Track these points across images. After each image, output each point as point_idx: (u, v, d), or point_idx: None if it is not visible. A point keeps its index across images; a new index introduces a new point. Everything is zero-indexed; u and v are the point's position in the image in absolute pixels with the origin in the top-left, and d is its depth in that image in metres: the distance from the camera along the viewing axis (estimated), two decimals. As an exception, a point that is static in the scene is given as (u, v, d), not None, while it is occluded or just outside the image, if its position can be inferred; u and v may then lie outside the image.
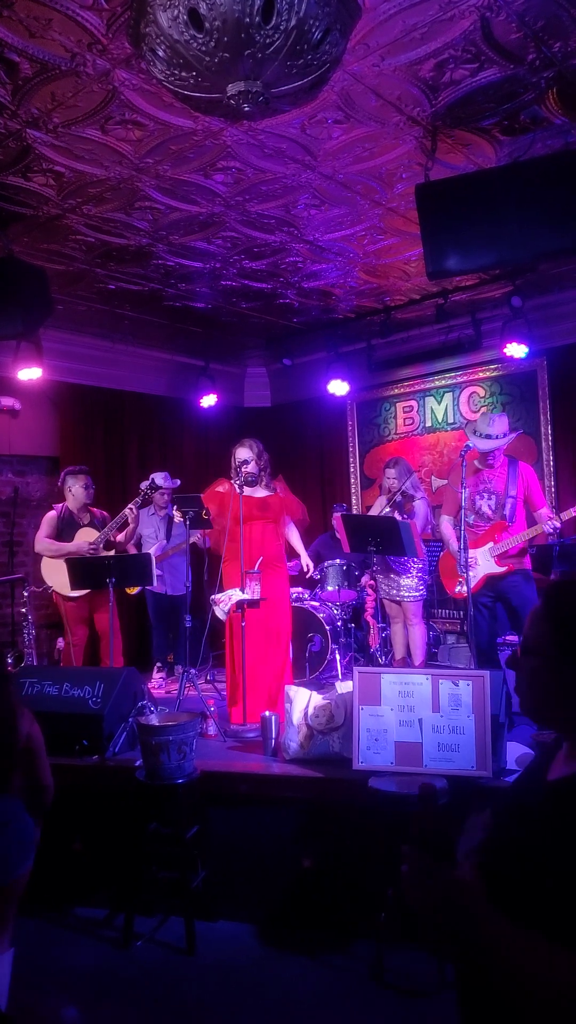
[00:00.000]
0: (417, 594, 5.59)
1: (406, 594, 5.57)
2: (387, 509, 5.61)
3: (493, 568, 4.93)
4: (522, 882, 1.06)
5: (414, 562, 5.51)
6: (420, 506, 5.60)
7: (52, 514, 5.75)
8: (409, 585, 5.56)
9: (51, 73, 3.15)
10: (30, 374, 5.89)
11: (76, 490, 5.71)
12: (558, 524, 4.77)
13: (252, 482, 4.97)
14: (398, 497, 5.56)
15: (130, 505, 5.67)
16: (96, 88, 3.26)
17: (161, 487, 6.44)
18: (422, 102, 3.46)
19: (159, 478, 6.53)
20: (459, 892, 1.06)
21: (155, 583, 6.11)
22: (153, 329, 6.93)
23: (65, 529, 5.68)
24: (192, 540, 6.02)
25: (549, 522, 4.80)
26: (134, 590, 6.27)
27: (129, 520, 5.65)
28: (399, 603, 5.63)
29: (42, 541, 5.64)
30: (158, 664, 6.45)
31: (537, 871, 1.04)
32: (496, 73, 3.26)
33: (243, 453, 5.01)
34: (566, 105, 3.52)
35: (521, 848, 1.09)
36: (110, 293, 5.96)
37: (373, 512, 5.82)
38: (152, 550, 6.24)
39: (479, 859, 1.17)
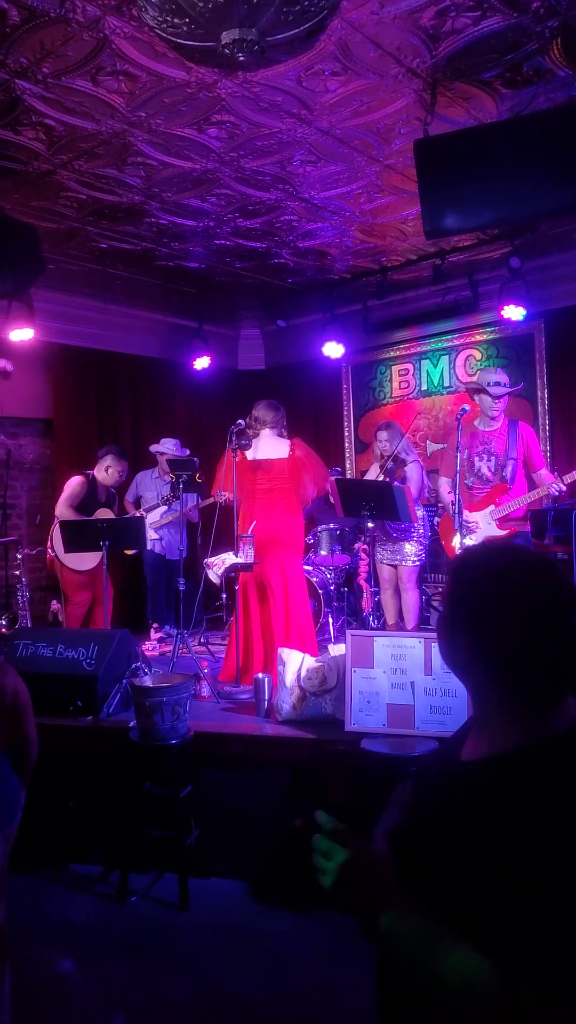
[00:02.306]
0: (416, 560, 5.58)
1: (406, 559, 5.56)
2: (380, 476, 5.59)
3: (495, 532, 4.92)
4: (425, 863, 1.07)
5: (415, 528, 5.50)
6: (413, 470, 5.54)
7: (80, 480, 5.76)
8: (409, 551, 5.56)
9: (40, 20, 3.04)
10: (21, 335, 5.81)
11: (112, 472, 5.79)
12: (563, 487, 4.75)
13: (246, 445, 4.93)
14: (389, 463, 5.52)
15: (137, 512, 5.92)
16: (86, 36, 3.15)
17: (171, 454, 6.43)
18: (422, 53, 3.36)
19: (169, 444, 6.50)
20: (369, 863, 1.11)
21: (151, 545, 6.15)
22: (146, 289, 6.82)
23: (88, 502, 5.71)
24: (184, 513, 6.04)
25: (553, 485, 4.78)
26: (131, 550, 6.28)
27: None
28: (395, 567, 5.62)
29: (68, 511, 5.65)
30: (155, 626, 6.47)
31: (441, 854, 1.04)
32: (499, 22, 3.16)
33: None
34: (570, 57, 3.43)
35: (429, 833, 1.10)
36: (102, 252, 5.85)
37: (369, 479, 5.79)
38: (157, 514, 6.24)
39: (393, 837, 1.17)
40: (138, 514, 5.89)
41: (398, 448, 5.54)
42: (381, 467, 5.62)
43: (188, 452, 6.54)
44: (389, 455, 5.55)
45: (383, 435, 5.64)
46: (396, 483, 5.41)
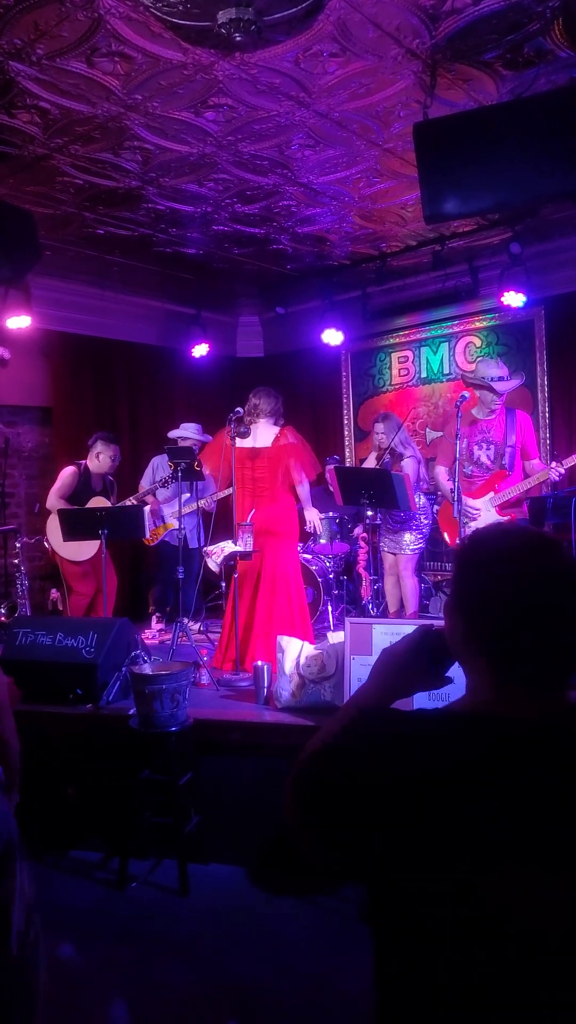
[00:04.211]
0: (413, 549, 5.57)
1: (405, 548, 5.55)
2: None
3: (495, 518, 4.91)
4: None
5: (416, 517, 5.49)
6: (409, 465, 5.50)
7: (72, 471, 5.72)
8: (407, 540, 5.55)
9: (33, -1, 3.00)
10: (19, 322, 5.79)
11: (103, 457, 5.71)
12: (562, 471, 4.74)
13: (244, 433, 4.93)
14: (386, 457, 5.50)
15: (153, 495, 6.00)
16: (81, 16, 3.11)
17: (193, 439, 6.36)
18: (422, 33, 3.32)
19: (192, 429, 6.44)
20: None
21: (168, 536, 6.15)
22: (143, 276, 6.78)
23: (81, 491, 5.68)
24: (202, 507, 6.05)
25: (553, 469, 4.76)
26: (154, 540, 6.25)
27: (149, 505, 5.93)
28: (395, 555, 5.62)
29: (58, 501, 5.61)
30: (157, 614, 6.47)
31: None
32: (500, 2, 3.11)
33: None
34: (571, 37, 3.38)
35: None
36: (99, 238, 5.80)
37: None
38: (178, 502, 6.23)
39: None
40: (131, 501, 5.84)
41: (395, 441, 5.51)
42: (378, 459, 5.60)
43: (211, 439, 6.47)
44: (386, 448, 5.53)
45: (380, 427, 5.61)
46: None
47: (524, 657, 1.05)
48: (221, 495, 6.03)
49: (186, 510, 6.17)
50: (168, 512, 6.20)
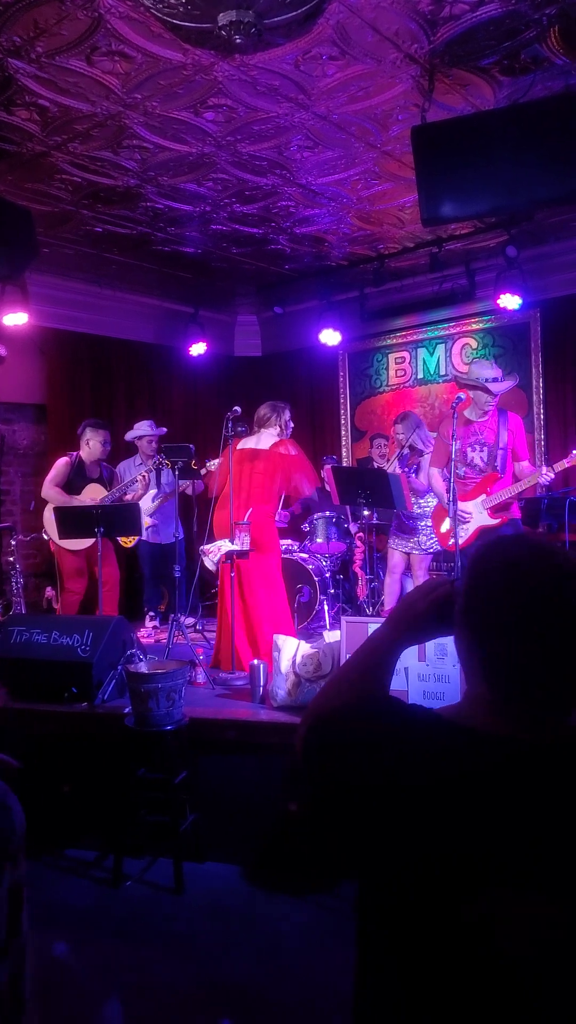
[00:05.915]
0: (433, 547, 5.59)
1: (420, 546, 5.57)
2: (395, 464, 5.62)
3: (487, 520, 4.93)
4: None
5: (427, 518, 5.51)
6: (427, 461, 5.55)
7: (64, 461, 5.74)
8: (424, 540, 5.57)
9: (34, -2, 3.01)
10: (16, 319, 5.78)
11: (94, 444, 5.73)
12: (552, 476, 4.77)
13: (243, 433, 4.95)
14: (405, 451, 5.54)
15: (143, 472, 5.81)
16: (81, 15, 3.12)
17: (149, 434, 6.41)
18: (420, 38, 3.34)
19: (145, 426, 6.49)
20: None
21: (145, 533, 6.13)
22: (141, 274, 6.79)
23: (74, 480, 5.69)
24: (182, 488, 6.03)
25: (543, 474, 4.79)
26: (130, 542, 6.26)
27: (140, 488, 5.79)
28: (408, 555, 5.64)
29: (52, 489, 5.63)
30: (150, 613, 6.48)
31: None
32: (497, 8, 3.14)
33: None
34: (568, 44, 3.41)
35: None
36: (97, 236, 5.81)
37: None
38: (148, 499, 6.23)
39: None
40: (129, 498, 5.85)
41: (413, 438, 5.53)
42: (398, 455, 5.64)
43: (165, 431, 6.51)
44: (404, 446, 5.57)
45: (399, 427, 5.66)
46: (406, 471, 5.42)
47: (529, 677, 1.02)
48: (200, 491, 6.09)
49: (156, 504, 6.23)
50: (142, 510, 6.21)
